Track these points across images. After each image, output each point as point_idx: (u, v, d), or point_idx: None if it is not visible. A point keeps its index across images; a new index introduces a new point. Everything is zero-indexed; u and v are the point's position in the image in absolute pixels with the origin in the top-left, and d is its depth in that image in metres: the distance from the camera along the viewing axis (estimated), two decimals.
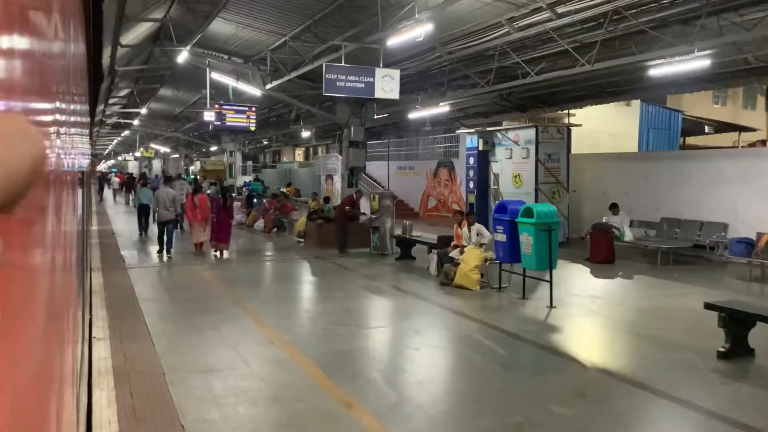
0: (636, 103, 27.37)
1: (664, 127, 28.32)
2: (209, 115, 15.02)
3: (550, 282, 9.48)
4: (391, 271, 13.07)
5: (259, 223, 21.70)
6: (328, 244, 16.37)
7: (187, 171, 50.98)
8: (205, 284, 11.67)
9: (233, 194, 26.07)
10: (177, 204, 14.90)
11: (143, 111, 23.71)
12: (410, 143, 29.97)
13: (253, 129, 16.25)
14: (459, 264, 10.99)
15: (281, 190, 29.40)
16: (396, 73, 11.16)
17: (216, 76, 15.84)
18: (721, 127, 30.92)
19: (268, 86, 15.96)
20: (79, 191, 4.10)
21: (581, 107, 18.58)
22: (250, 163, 58.20)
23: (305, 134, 30.17)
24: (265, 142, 38.98)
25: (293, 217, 20.97)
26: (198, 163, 55.53)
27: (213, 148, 42.24)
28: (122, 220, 25.90)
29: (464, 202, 24.54)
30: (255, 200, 23.62)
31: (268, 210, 22.28)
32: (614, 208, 14.56)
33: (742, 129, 31.28)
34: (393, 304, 9.99)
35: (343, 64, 10.98)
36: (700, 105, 34.20)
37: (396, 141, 32.31)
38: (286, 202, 21.13)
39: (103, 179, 45.33)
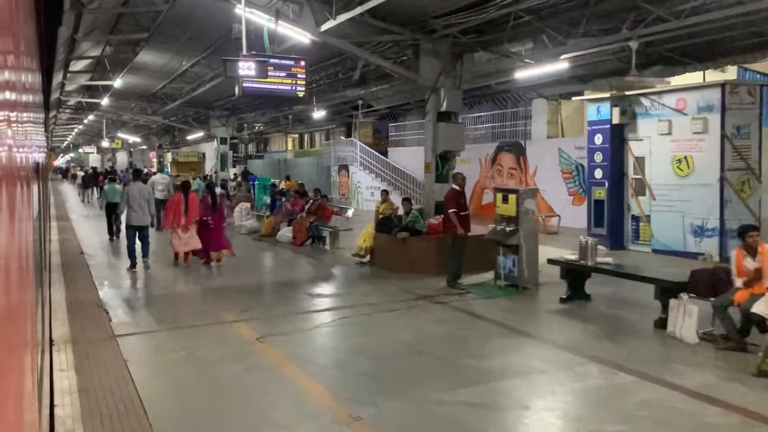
0: (732, 70, 22.19)
1: None
2: (246, 67, 9.08)
3: None
4: (593, 333, 7.42)
5: (284, 233, 15.85)
6: (412, 268, 10.84)
7: (161, 163, 44.47)
8: (279, 379, 5.92)
9: (227, 192, 20.26)
10: (151, 204, 11.80)
11: (116, 83, 17.61)
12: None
13: (301, 94, 10.42)
14: None
15: (276, 183, 23.49)
16: None
17: (240, 10, 9.92)
18: None
19: (326, 26, 10.12)
20: (34, 191, 2.89)
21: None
22: (230, 153, 51.82)
23: (318, 115, 24.27)
24: (260, 127, 32.75)
25: (337, 225, 15.22)
26: (169, 155, 48.95)
27: (195, 136, 35.98)
28: (88, 227, 19.83)
29: (540, 195, 19.07)
30: (276, 201, 17.77)
31: (291, 214, 16.50)
32: None
33: None
34: None
35: None
36: None
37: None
38: (324, 204, 15.32)
39: (65, 174, 39.46)
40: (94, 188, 33.99)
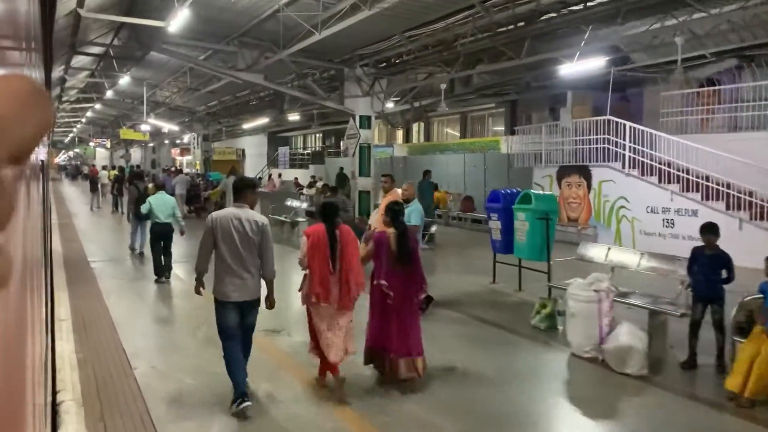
0: None
1: None
2: None
3: None
4: None
5: None
6: None
7: (207, 162, 32.34)
8: None
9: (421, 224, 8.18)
10: (267, 255, 4.81)
11: None
12: None
13: None
14: None
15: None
16: None
17: None
18: None
19: None
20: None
21: None
22: (285, 150, 39.55)
23: (577, 68, 12.29)
24: (411, 102, 20.09)
25: None
26: (198, 151, 36.69)
27: (252, 125, 23.98)
28: (141, 303, 7.84)
29: None
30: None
31: None
32: None
33: None
34: None
35: None
36: None
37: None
38: None
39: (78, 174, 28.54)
40: (119, 198, 22.00)
